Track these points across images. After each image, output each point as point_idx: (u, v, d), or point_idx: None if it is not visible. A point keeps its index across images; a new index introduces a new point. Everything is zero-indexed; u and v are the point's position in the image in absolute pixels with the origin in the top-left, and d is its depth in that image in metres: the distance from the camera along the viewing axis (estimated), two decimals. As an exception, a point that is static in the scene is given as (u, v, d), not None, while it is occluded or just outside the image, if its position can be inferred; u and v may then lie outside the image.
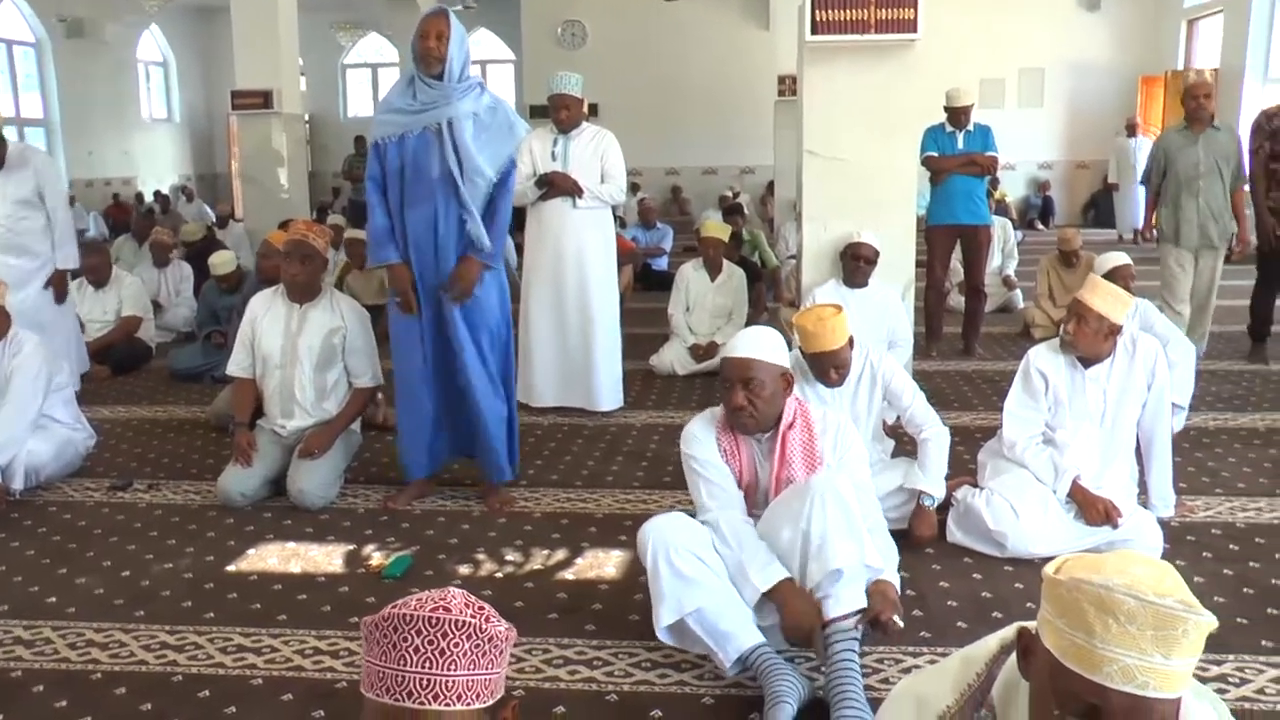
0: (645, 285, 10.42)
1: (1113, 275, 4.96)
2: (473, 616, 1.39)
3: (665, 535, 2.87)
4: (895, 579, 3.06)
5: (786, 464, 3.01)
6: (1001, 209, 12.32)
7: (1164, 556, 3.59)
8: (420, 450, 4.34)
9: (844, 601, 2.76)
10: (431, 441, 4.34)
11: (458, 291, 4.04)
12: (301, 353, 4.49)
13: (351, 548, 3.92)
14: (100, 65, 17.20)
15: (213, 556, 3.87)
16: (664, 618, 2.84)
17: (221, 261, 7.20)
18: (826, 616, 2.75)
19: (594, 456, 5.06)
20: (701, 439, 3.05)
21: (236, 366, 4.61)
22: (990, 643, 1.60)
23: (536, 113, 12.87)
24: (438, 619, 1.37)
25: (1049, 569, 1.39)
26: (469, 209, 3.98)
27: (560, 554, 3.83)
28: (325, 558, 3.83)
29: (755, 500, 3.07)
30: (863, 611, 2.79)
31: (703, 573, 2.84)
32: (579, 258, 5.64)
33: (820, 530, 2.78)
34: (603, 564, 3.73)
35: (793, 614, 2.79)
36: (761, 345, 2.99)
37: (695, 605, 2.81)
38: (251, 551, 3.91)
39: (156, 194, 16.98)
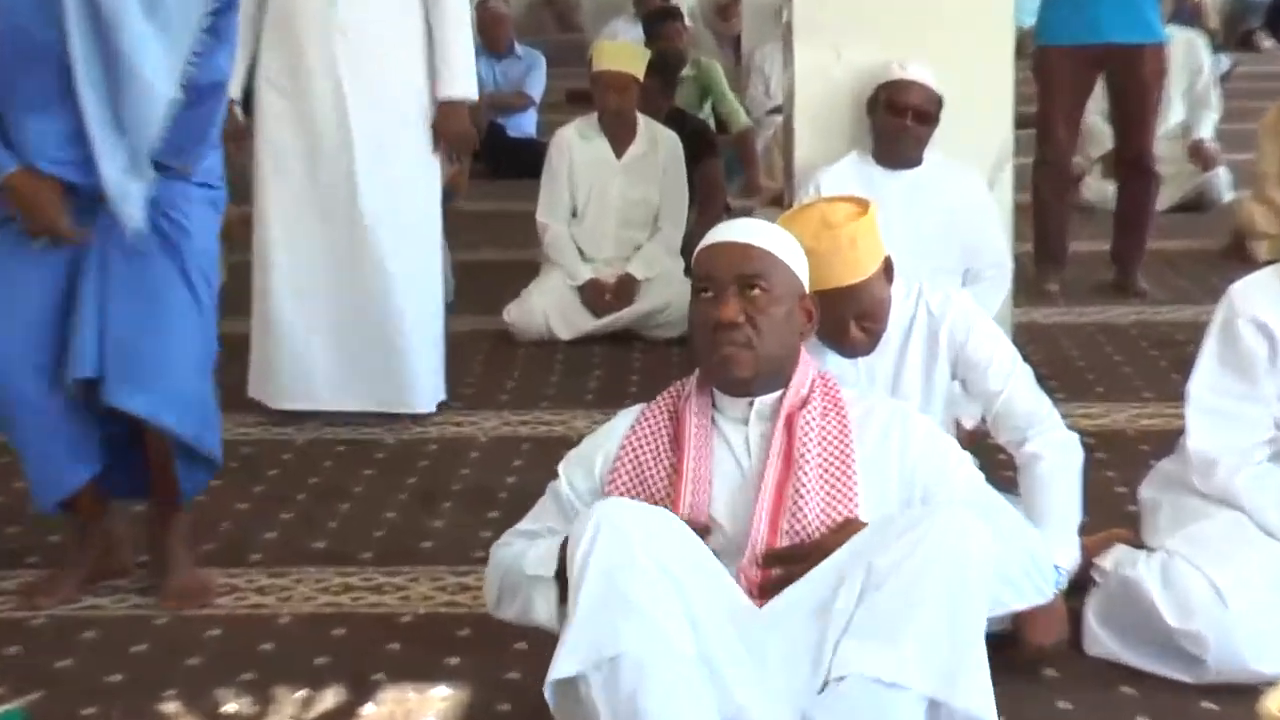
0: (494, 168, 10.62)
1: None
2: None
3: (624, 527, 2.94)
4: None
5: (794, 468, 3.14)
6: (1186, 13, 12.43)
7: None
8: (56, 462, 4.35)
9: None
10: (75, 446, 4.35)
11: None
12: None
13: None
14: None
15: None
16: (564, 664, 2.89)
17: None
18: None
19: (394, 504, 5.13)
20: (620, 419, 3.42)
21: None
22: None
23: None
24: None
25: (1272, 702, 1.39)
26: (117, 152, 4.11)
27: (330, 697, 3.83)
28: None
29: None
30: None
31: (661, 604, 2.89)
32: (358, 121, 5.62)
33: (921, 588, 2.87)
34: (411, 715, 3.73)
35: None
36: (773, 235, 3.31)
37: (621, 649, 2.85)
38: None
39: None
